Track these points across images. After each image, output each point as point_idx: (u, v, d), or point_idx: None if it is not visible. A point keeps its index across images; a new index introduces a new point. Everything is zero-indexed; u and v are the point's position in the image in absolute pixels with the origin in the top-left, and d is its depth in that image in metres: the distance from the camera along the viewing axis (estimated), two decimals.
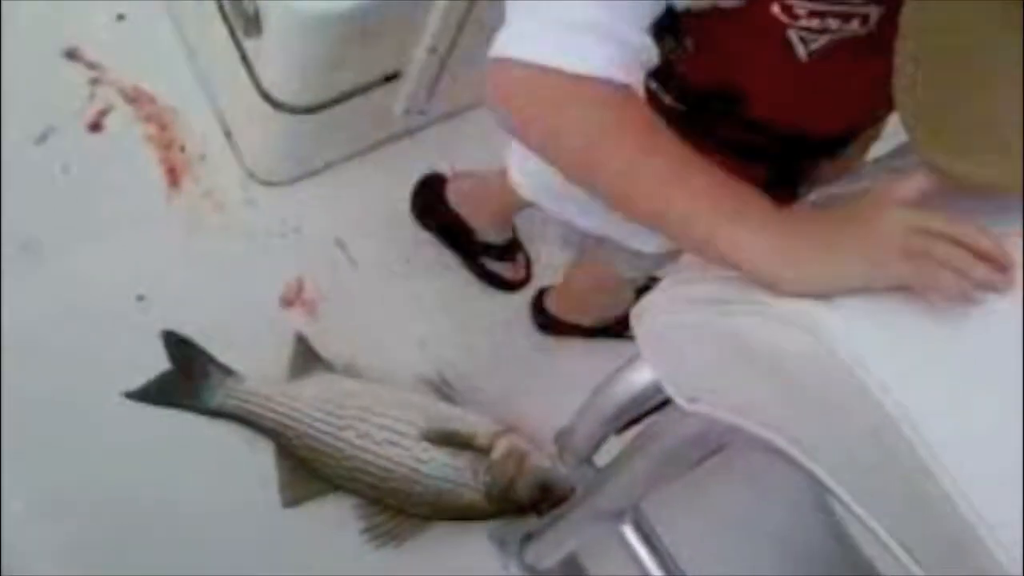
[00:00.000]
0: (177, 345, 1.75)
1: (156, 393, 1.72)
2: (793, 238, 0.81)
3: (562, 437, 1.31)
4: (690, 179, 0.84)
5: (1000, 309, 0.75)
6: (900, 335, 0.76)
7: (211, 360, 1.74)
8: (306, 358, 1.76)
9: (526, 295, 1.90)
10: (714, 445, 1.08)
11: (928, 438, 0.72)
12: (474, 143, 1.94)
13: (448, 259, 1.89)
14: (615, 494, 1.33)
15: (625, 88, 0.85)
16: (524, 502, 1.66)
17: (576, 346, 1.88)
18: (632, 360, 1.14)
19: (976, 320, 0.75)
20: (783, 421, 0.86)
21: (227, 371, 1.74)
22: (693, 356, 0.95)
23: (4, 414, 1.65)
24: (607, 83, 0.84)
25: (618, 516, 1.33)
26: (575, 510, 1.46)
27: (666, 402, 1.18)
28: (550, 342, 1.90)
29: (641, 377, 1.09)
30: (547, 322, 1.88)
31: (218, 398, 1.72)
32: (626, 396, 1.12)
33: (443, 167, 1.92)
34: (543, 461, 1.66)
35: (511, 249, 1.90)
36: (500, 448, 1.67)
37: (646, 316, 1.00)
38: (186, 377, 1.73)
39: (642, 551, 1.29)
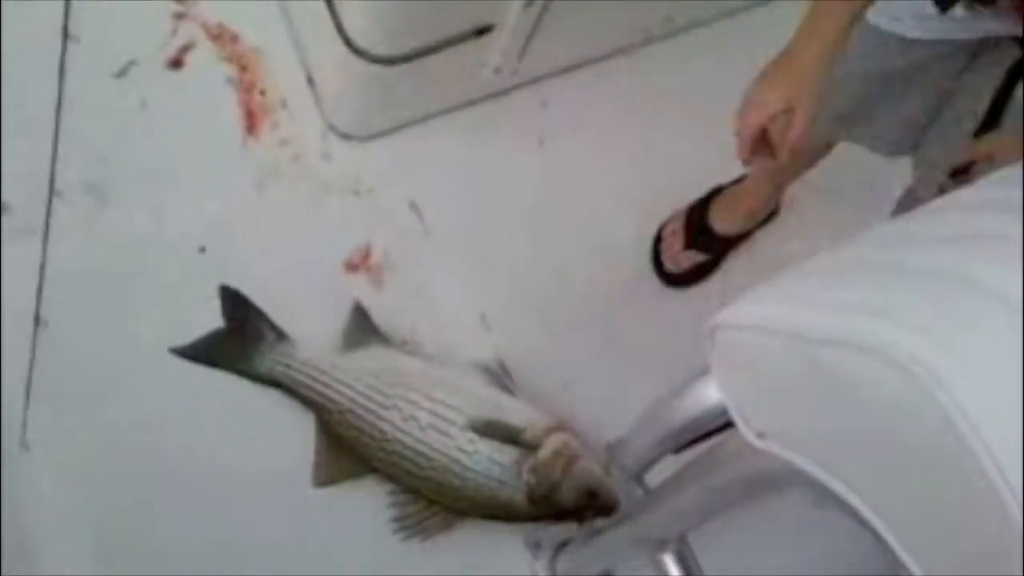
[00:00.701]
0: (234, 302, 1.67)
1: (205, 352, 1.65)
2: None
3: (614, 449, 1.20)
4: None
5: None
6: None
7: (267, 322, 1.66)
8: (362, 329, 1.66)
9: (601, 292, 1.77)
10: (774, 486, 0.94)
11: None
12: (565, 109, 1.81)
13: (523, 236, 1.76)
14: (661, 520, 1.20)
15: None
16: (567, 507, 1.53)
17: (647, 350, 1.74)
18: (701, 375, 1.01)
19: None
20: (860, 475, 0.74)
21: (281, 335, 1.65)
22: (769, 387, 0.82)
23: (51, 355, 1.61)
24: None
25: (660, 544, 1.20)
26: (616, 529, 1.33)
27: (730, 424, 1.06)
28: (619, 341, 1.75)
29: (709, 395, 0.96)
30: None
31: (267, 363, 1.63)
32: (690, 414, 1.00)
33: (531, 135, 1.79)
34: (593, 466, 1.53)
35: None
36: (549, 446, 1.54)
37: (722, 333, 0.86)
38: (238, 338, 1.66)
39: None
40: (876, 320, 0.70)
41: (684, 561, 1.21)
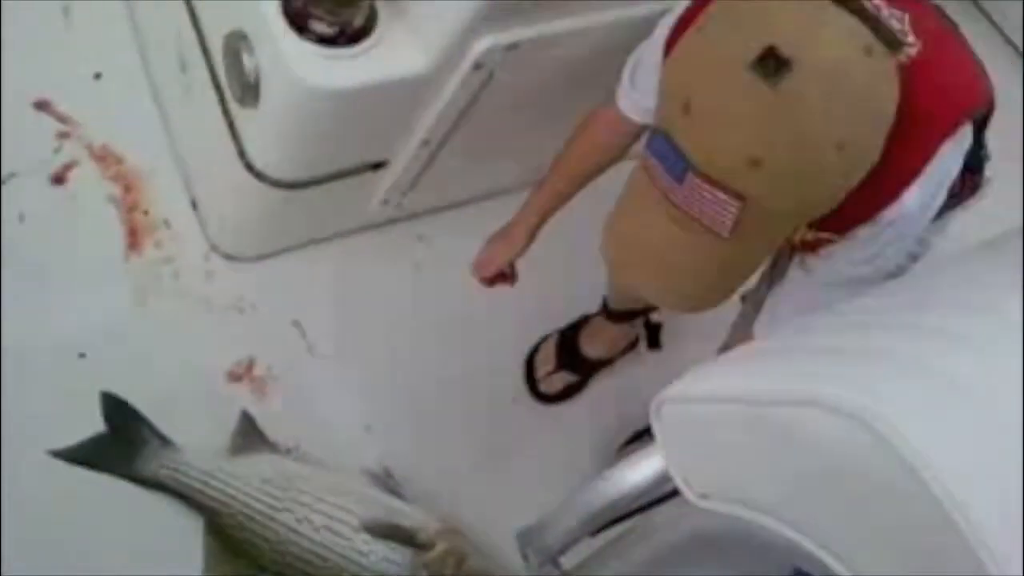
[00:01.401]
0: (115, 408, 1.65)
1: (86, 455, 1.61)
2: None
3: (528, 534, 1.24)
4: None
5: None
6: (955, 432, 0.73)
7: (149, 427, 1.64)
8: (249, 435, 1.67)
9: (479, 407, 1.87)
10: (711, 545, 1.04)
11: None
12: (441, 244, 1.94)
13: (403, 353, 1.85)
14: None
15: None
16: None
17: (523, 460, 1.84)
18: (627, 457, 1.11)
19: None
20: (817, 521, 0.82)
21: (165, 440, 1.64)
22: (716, 450, 0.91)
23: None
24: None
25: None
26: None
27: (645, 507, 1.15)
28: (497, 452, 1.84)
29: (642, 471, 1.06)
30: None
31: (152, 467, 1.61)
32: (617, 492, 1.07)
33: (408, 262, 1.91)
34: (484, 564, 1.59)
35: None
36: (440, 546, 1.59)
37: (669, 407, 0.96)
38: (121, 443, 1.63)
39: None
40: (823, 380, 0.79)
41: None
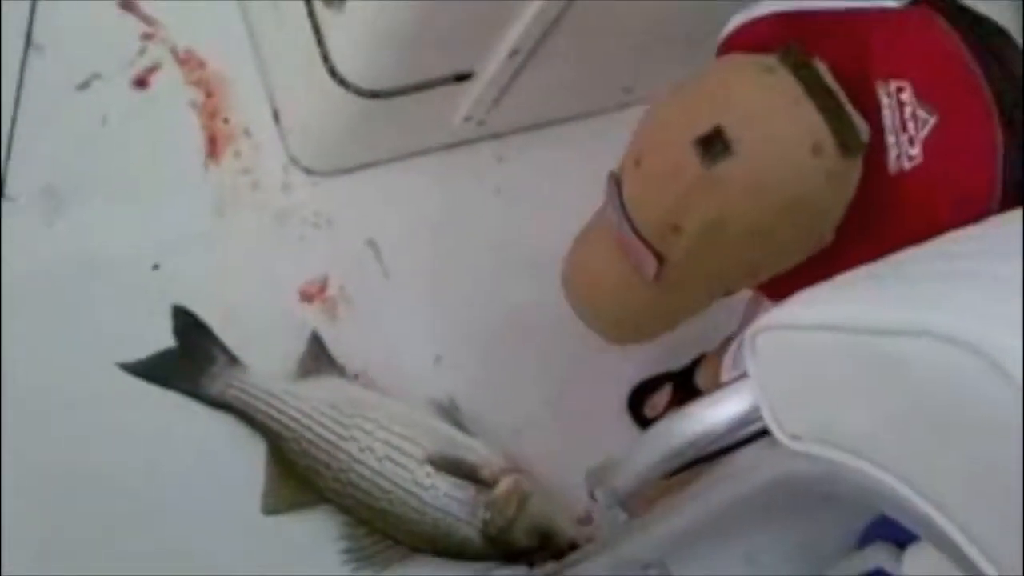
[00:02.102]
0: (186, 323, 1.63)
1: (154, 370, 1.59)
2: None
3: (598, 474, 1.20)
4: None
5: None
6: None
7: (219, 345, 1.62)
8: (318, 358, 1.64)
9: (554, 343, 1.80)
10: (795, 493, 0.97)
11: None
12: (523, 167, 1.86)
13: (478, 282, 1.79)
14: (651, 542, 1.20)
15: None
16: (519, 546, 1.54)
17: (595, 403, 1.78)
18: (707, 397, 1.05)
19: None
20: (920, 463, 0.76)
21: (233, 359, 1.62)
22: (816, 384, 0.84)
23: None
24: None
25: (643, 567, 1.21)
26: (595, 558, 1.34)
27: (716, 454, 1.09)
28: (569, 392, 1.77)
29: (718, 414, 0.99)
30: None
31: (219, 387, 1.59)
32: (695, 432, 1.02)
33: (488, 185, 1.83)
34: (547, 507, 1.54)
35: None
36: (504, 485, 1.55)
37: (766, 336, 0.89)
38: (189, 359, 1.61)
39: None
40: (950, 311, 0.72)
41: None
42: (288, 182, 1.78)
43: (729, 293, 1.22)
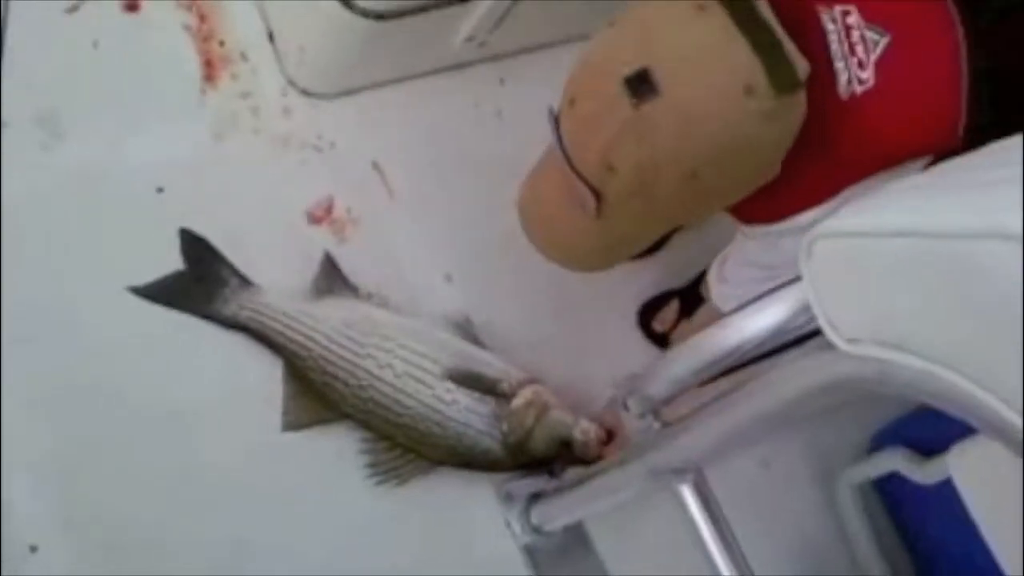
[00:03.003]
0: (194, 245, 1.59)
1: (165, 293, 1.55)
2: None
3: (631, 382, 1.21)
4: None
5: None
6: None
7: (229, 267, 1.58)
8: (331, 278, 1.61)
9: None
10: (835, 399, 0.98)
11: None
12: (524, 89, 1.83)
13: (484, 202, 1.77)
14: (687, 450, 1.21)
15: None
16: (539, 455, 1.53)
17: (606, 316, 1.79)
18: (741, 308, 1.06)
19: None
20: (985, 360, 0.75)
21: (245, 281, 1.58)
22: (876, 289, 0.83)
23: (5, 286, 1.49)
24: None
25: (678, 474, 1.23)
26: (626, 464, 1.35)
27: (752, 360, 1.10)
28: (580, 306, 1.76)
29: (757, 322, 1.02)
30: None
31: (232, 308, 1.56)
32: (737, 339, 1.04)
33: (490, 106, 1.81)
34: (566, 416, 1.54)
35: None
36: (522, 396, 1.55)
37: (819, 245, 0.88)
38: (200, 281, 1.56)
39: (698, 514, 1.19)
40: (1001, 211, 0.70)
41: (701, 491, 1.22)
42: (287, 105, 1.74)
43: (680, 226, 1.27)
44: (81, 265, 1.55)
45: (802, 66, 1.04)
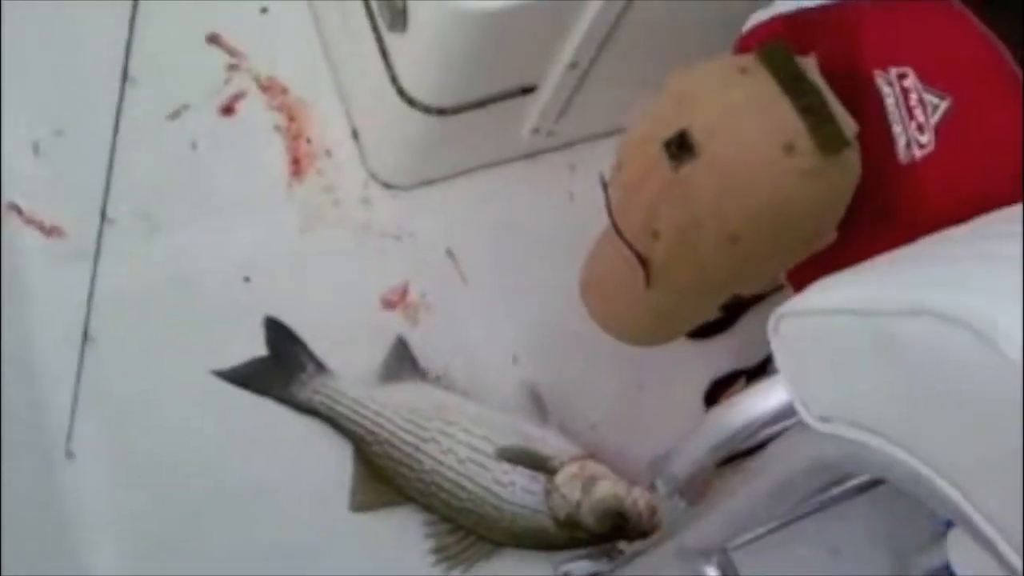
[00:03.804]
0: (277, 333, 1.66)
1: (247, 377, 1.64)
2: None
3: (659, 463, 1.22)
4: None
5: None
6: None
7: (308, 353, 1.66)
8: (402, 362, 1.66)
9: None
10: (832, 475, 0.98)
11: None
12: (594, 174, 1.86)
13: (554, 285, 1.81)
14: (706, 531, 1.21)
15: None
16: (594, 529, 1.52)
17: (667, 397, 1.79)
18: (753, 386, 1.07)
19: None
20: (932, 443, 0.75)
21: (321, 367, 1.65)
22: (835, 368, 0.85)
23: (97, 370, 1.61)
24: None
25: (704, 556, 1.22)
26: (659, 546, 1.35)
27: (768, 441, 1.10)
28: (643, 386, 1.78)
29: (762, 403, 1.02)
30: None
31: (307, 393, 1.63)
32: (742, 421, 1.03)
33: (562, 191, 1.86)
34: (617, 487, 1.52)
35: None
36: (567, 470, 1.54)
37: (784, 323, 0.90)
38: (280, 366, 1.64)
39: None
40: (949, 289, 0.72)
41: (726, 572, 1.23)
42: (368, 196, 1.82)
43: (739, 295, 1.21)
44: (172, 350, 1.66)
45: (849, 125, 1.02)
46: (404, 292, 1.76)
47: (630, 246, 1.09)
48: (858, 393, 0.81)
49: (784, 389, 0.94)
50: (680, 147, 1.01)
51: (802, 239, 1.07)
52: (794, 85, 1.01)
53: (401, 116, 1.63)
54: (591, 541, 1.55)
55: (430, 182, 1.83)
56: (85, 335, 1.63)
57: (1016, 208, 0.96)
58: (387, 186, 1.83)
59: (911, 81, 1.05)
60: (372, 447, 1.59)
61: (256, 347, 1.68)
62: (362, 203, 1.83)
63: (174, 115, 1.82)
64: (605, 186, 1.14)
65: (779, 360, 0.90)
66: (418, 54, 1.54)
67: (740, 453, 1.13)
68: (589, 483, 1.52)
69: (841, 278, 0.87)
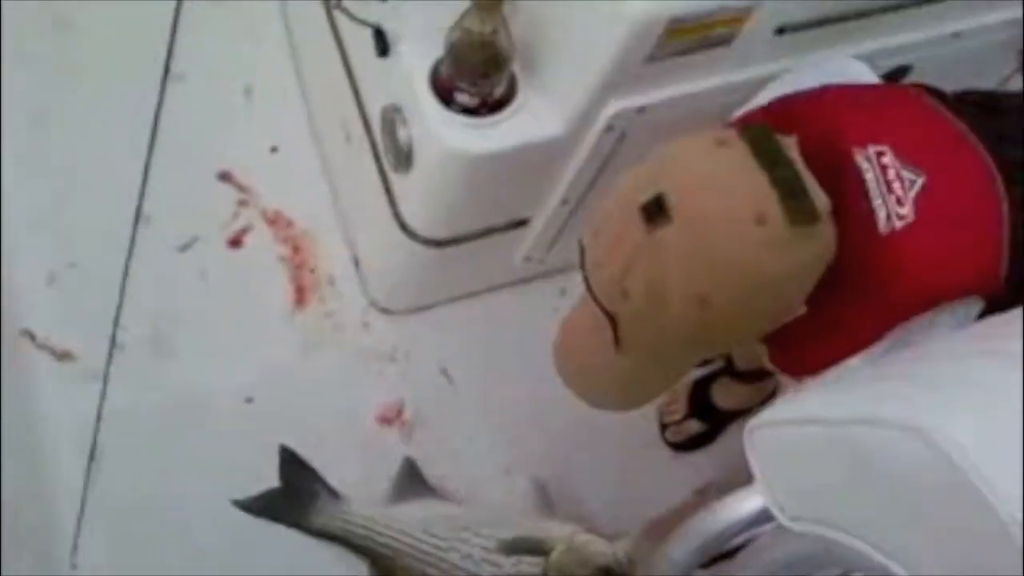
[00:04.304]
0: (290, 462, 1.73)
1: (263, 507, 1.70)
2: None
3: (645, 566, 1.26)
4: None
5: None
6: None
7: (321, 482, 1.72)
8: (412, 479, 1.73)
9: (615, 451, 1.89)
10: (807, 569, 1.04)
11: None
12: None
13: (544, 401, 1.89)
14: None
15: None
16: None
17: (663, 497, 1.84)
18: (730, 496, 1.13)
19: None
20: (887, 537, 0.83)
21: (334, 493, 1.71)
22: (803, 472, 0.93)
23: (103, 488, 1.67)
24: None
25: None
26: None
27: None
28: (636, 492, 1.85)
29: (748, 503, 1.07)
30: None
31: (323, 519, 1.68)
32: (722, 524, 1.08)
33: (552, 314, 1.95)
34: (599, 545, 1.55)
35: None
36: (560, 547, 1.56)
37: (757, 434, 0.98)
38: (295, 496, 1.70)
39: None
40: (906, 402, 0.82)
41: None
42: (368, 321, 1.92)
43: (706, 361, 1.21)
44: (176, 468, 1.72)
45: (823, 201, 1.04)
46: (399, 410, 1.84)
47: (601, 305, 1.10)
48: (826, 495, 0.89)
49: (760, 494, 1.01)
50: (655, 210, 1.03)
51: (769, 307, 1.08)
52: (770, 159, 1.04)
53: (402, 247, 1.74)
54: None
55: (427, 307, 1.94)
56: (92, 454, 1.70)
57: (967, 329, 1.07)
58: (385, 311, 1.93)
59: (889, 159, 1.11)
60: (394, 562, 1.64)
61: (258, 467, 1.75)
62: (362, 327, 1.92)
63: (184, 247, 1.93)
64: (583, 249, 1.14)
65: (755, 468, 0.96)
66: (420, 191, 1.65)
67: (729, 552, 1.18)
68: (581, 548, 1.54)
69: (808, 391, 0.96)
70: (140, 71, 1.95)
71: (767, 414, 0.97)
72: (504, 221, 1.75)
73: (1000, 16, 1.54)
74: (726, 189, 1.03)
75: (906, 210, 1.09)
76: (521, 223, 1.77)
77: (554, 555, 1.55)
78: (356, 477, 1.76)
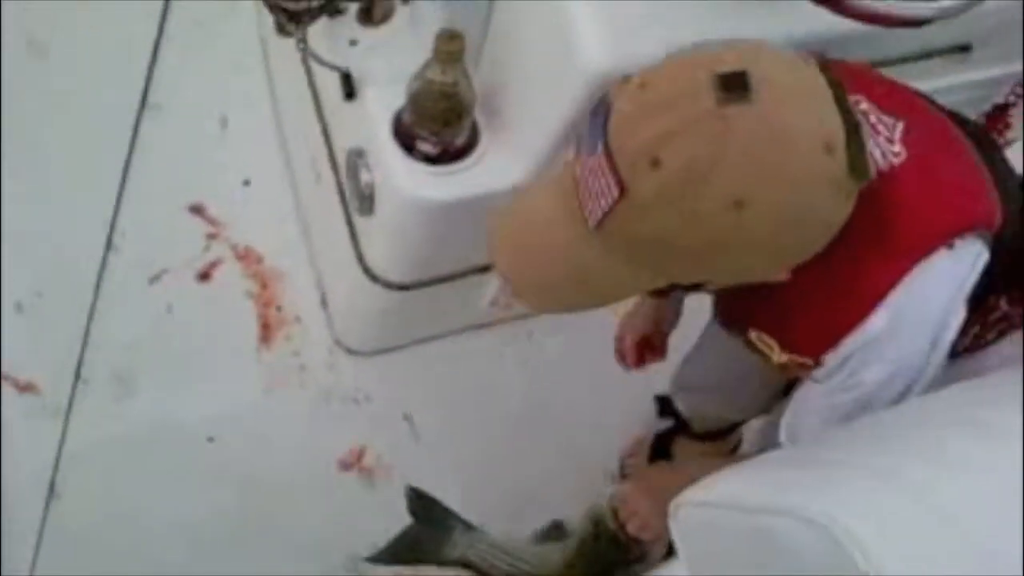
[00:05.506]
0: (420, 501, 1.64)
1: (399, 552, 1.63)
2: None
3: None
4: None
5: None
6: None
7: (454, 515, 1.64)
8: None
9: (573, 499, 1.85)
10: None
11: None
12: (549, 342, 1.97)
13: (507, 446, 1.87)
14: None
15: None
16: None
17: None
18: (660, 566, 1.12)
19: None
20: None
21: (469, 526, 1.64)
22: (718, 551, 0.92)
23: (61, 526, 1.65)
24: None
25: None
26: None
27: None
28: None
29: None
30: None
31: (460, 551, 1.62)
32: None
33: (518, 358, 1.94)
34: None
35: None
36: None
37: (683, 510, 0.97)
38: (430, 532, 1.63)
39: None
40: (817, 495, 0.82)
41: None
42: (332, 362, 1.90)
43: (667, 289, 1.07)
44: (134, 506, 1.70)
45: (872, 166, 0.97)
46: (360, 454, 1.82)
47: (615, 169, 0.94)
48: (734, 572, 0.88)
49: (683, 570, 1.00)
50: (735, 85, 0.90)
51: (791, 245, 0.97)
52: (844, 105, 0.96)
53: (366, 290, 1.71)
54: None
55: (392, 349, 1.91)
56: (51, 490, 1.67)
57: (886, 421, 1.03)
58: (351, 352, 1.91)
59: (866, 106, 1.07)
60: None
61: (219, 503, 1.73)
62: (326, 368, 1.90)
63: (154, 279, 1.91)
64: (607, 101, 0.98)
65: (678, 544, 0.96)
66: (382, 236, 1.64)
67: None
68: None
69: (728, 474, 0.95)
70: (116, 99, 1.92)
71: (690, 493, 0.96)
72: (468, 266, 1.73)
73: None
74: (810, 101, 0.94)
75: (897, 148, 1.06)
76: (486, 268, 1.75)
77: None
78: (316, 521, 1.73)
